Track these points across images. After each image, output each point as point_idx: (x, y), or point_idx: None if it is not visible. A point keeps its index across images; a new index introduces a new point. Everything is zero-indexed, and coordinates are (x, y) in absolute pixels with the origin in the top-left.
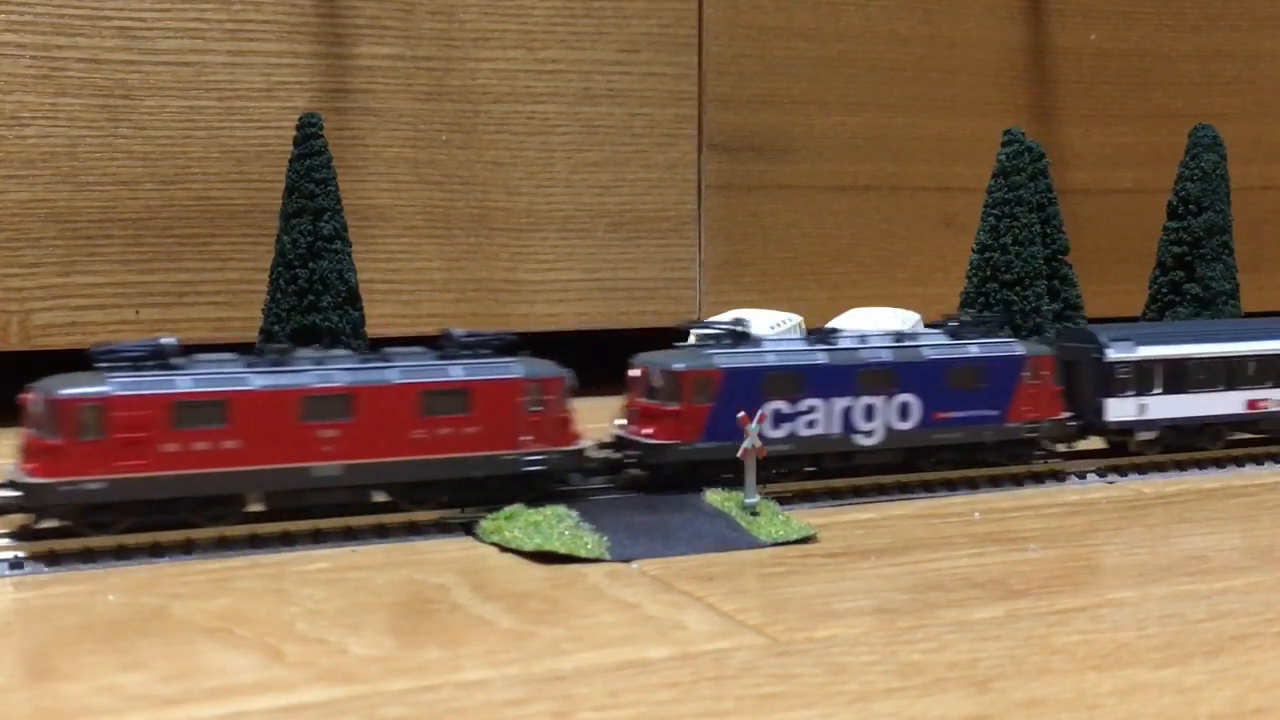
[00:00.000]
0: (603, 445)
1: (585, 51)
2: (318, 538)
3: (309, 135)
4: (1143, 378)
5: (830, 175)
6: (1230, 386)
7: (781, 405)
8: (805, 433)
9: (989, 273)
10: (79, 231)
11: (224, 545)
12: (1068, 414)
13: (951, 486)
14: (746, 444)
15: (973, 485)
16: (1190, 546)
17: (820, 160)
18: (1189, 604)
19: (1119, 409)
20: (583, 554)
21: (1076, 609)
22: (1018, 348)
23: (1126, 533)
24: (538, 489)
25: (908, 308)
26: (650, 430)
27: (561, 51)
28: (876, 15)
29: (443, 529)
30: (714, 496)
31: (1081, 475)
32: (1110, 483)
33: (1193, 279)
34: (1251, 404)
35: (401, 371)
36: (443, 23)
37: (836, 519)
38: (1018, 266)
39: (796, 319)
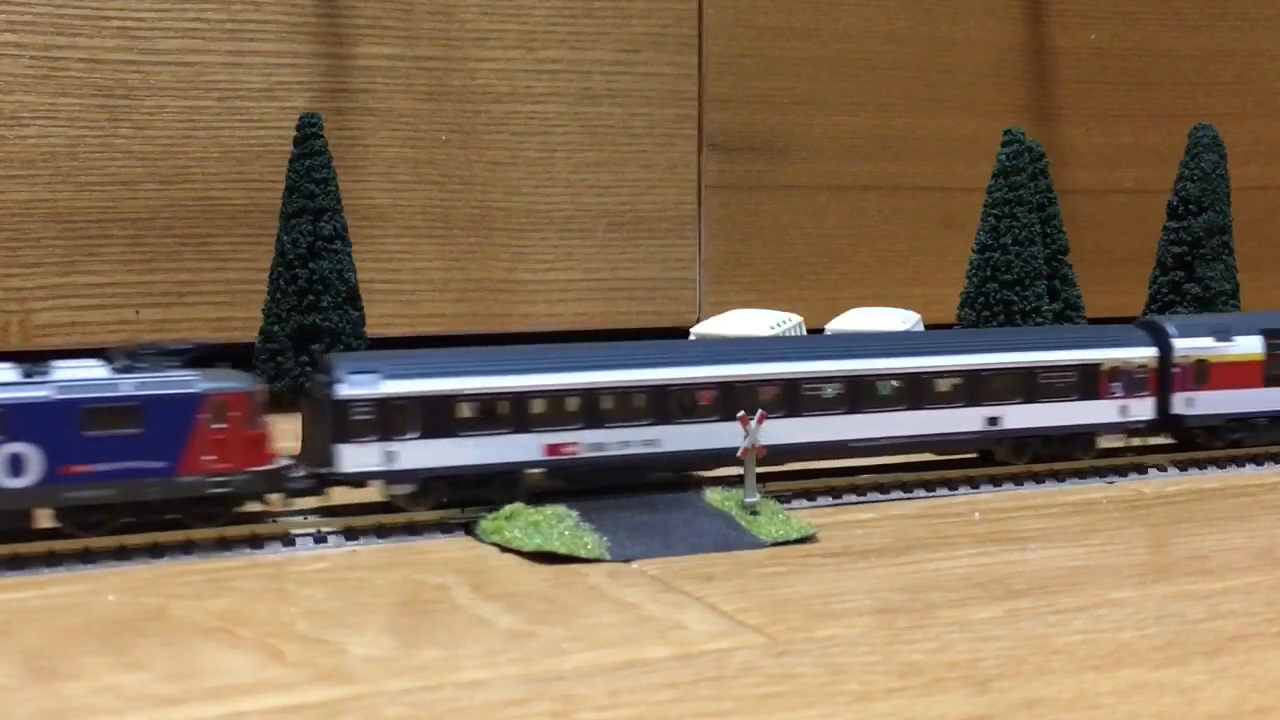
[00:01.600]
0: None
1: (585, 51)
2: (318, 538)
3: (309, 135)
4: (391, 418)
5: (830, 175)
6: (522, 428)
7: None
8: None
9: (989, 273)
10: (79, 231)
11: (224, 545)
12: (285, 462)
13: (952, 486)
14: (746, 443)
15: (973, 485)
16: (1190, 546)
17: (820, 160)
18: (1189, 604)
19: (358, 457)
20: (583, 554)
21: (1076, 609)
22: (196, 384)
23: (1126, 533)
24: None
25: (908, 308)
26: None
27: (561, 51)
28: (876, 15)
29: (443, 529)
30: (714, 496)
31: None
32: (1110, 483)
33: (1193, 279)
34: (552, 449)
35: None
36: (443, 23)
37: (836, 519)
38: (1018, 266)
39: (796, 319)
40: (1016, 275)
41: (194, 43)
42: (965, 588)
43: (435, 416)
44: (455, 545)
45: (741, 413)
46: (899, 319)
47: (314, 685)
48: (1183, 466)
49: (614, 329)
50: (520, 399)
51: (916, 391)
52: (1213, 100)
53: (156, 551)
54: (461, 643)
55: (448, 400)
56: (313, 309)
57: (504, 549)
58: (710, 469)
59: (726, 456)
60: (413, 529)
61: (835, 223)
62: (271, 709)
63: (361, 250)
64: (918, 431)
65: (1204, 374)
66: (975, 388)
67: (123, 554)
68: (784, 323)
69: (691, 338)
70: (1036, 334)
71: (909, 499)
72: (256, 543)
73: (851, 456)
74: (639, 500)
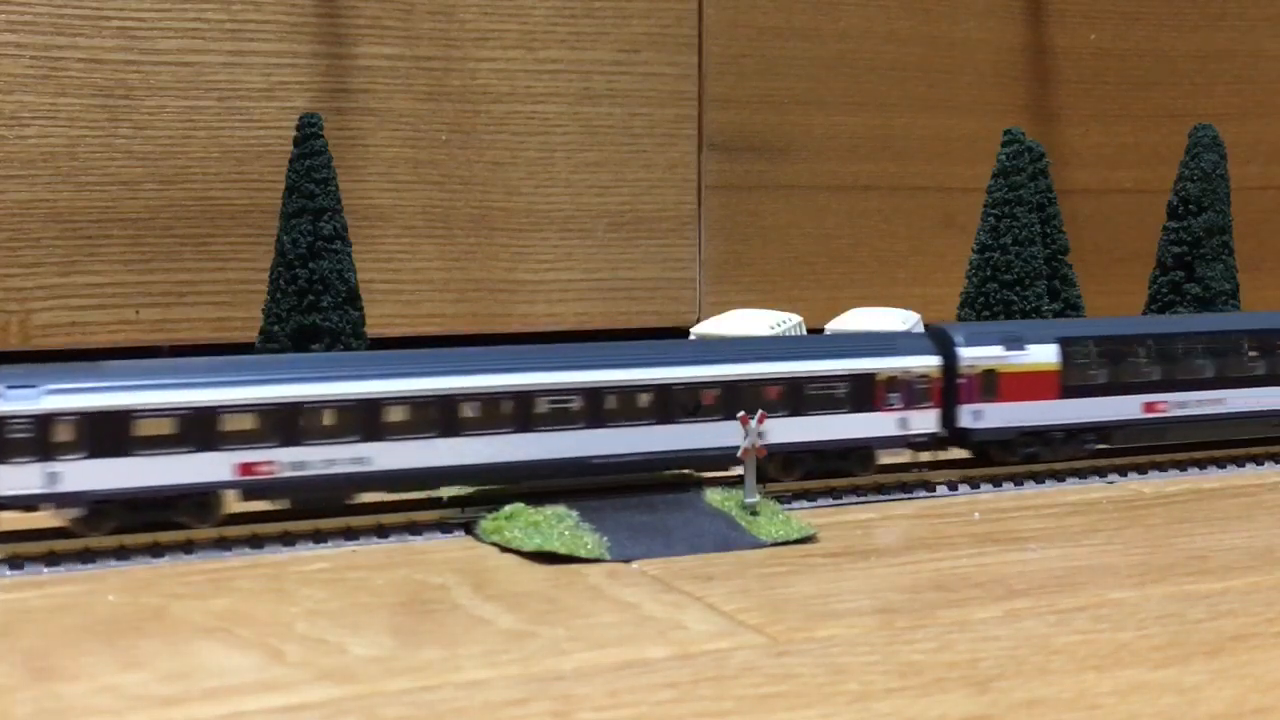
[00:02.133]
0: None
1: (585, 51)
2: (318, 538)
3: (309, 135)
4: (53, 436)
5: (830, 175)
6: (209, 446)
7: None
8: None
9: (989, 273)
10: (79, 231)
11: (224, 545)
12: None
13: (952, 486)
14: (746, 443)
15: (973, 485)
16: (1190, 546)
17: (820, 160)
18: (1189, 604)
19: (15, 478)
20: (583, 554)
21: (1076, 609)
22: None
23: (1126, 533)
24: None
25: (908, 308)
26: None
27: (561, 51)
28: (876, 15)
29: (443, 529)
30: (714, 496)
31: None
32: (1110, 483)
33: (1193, 279)
34: (245, 468)
35: None
36: (443, 23)
37: (836, 519)
38: (1018, 266)
39: (796, 319)
40: (1016, 275)
41: (194, 43)
42: (965, 588)
43: (105, 434)
44: (455, 545)
45: (742, 413)
46: (899, 319)
47: (314, 685)
48: (1183, 466)
49: (614, 329)
50: (204, 414)
51: (666, 404)
52: (1213, 100)
53: (156, 551)
54: (461, 643)
55: (119, 416)
56: (313, 309)
57: (504, 549)
58: (431, 489)
59: (444, 475)
60: (413, 529)
61: (835, 223)
62: (271, 709)
63: (361, 250)
64: (670, 447)
65: (993, 385)
66: (732, 400)
67: (123, 554)
68: (784, 322)
69: (692, 337)
70: (805, 343)
71: (909, 499)
72: (256, 543)
73: (593, 475)
74: (639, 500)
